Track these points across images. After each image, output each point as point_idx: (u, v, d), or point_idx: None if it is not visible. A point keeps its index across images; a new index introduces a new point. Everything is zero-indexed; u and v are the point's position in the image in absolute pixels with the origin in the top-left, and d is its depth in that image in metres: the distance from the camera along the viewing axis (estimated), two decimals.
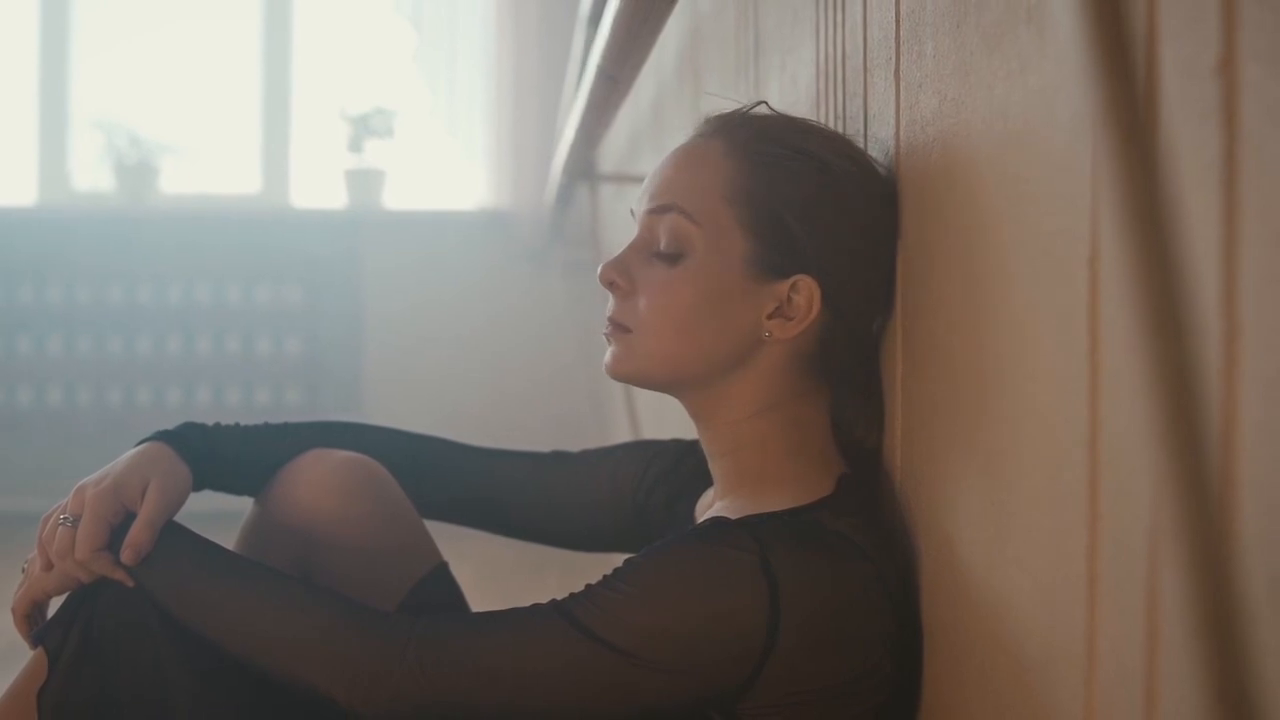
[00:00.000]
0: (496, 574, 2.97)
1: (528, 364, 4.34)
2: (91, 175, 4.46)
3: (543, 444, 1.35)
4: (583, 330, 4.26)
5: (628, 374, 1.04)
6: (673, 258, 1.01)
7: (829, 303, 0.99)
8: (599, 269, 1.05)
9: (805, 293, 0.99)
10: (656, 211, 1.03)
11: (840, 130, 1.11)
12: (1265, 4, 0.50)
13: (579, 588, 0.95)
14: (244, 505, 1.24)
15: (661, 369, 1.03)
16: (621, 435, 2.71)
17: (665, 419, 2.17)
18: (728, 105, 1.10)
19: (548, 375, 4.33)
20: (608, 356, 1.05)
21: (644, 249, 1.04)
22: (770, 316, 1.00)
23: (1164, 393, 0.51)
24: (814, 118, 1.10)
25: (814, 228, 0.99)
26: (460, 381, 4.32)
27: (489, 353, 4.34)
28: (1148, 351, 0.48)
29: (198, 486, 1.15)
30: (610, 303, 1.05)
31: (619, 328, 1.03)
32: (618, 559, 1.31)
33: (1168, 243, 0.52)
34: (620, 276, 1.03)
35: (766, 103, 1.07)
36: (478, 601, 1.27)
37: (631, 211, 1.08)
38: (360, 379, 4.36)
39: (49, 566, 1.07)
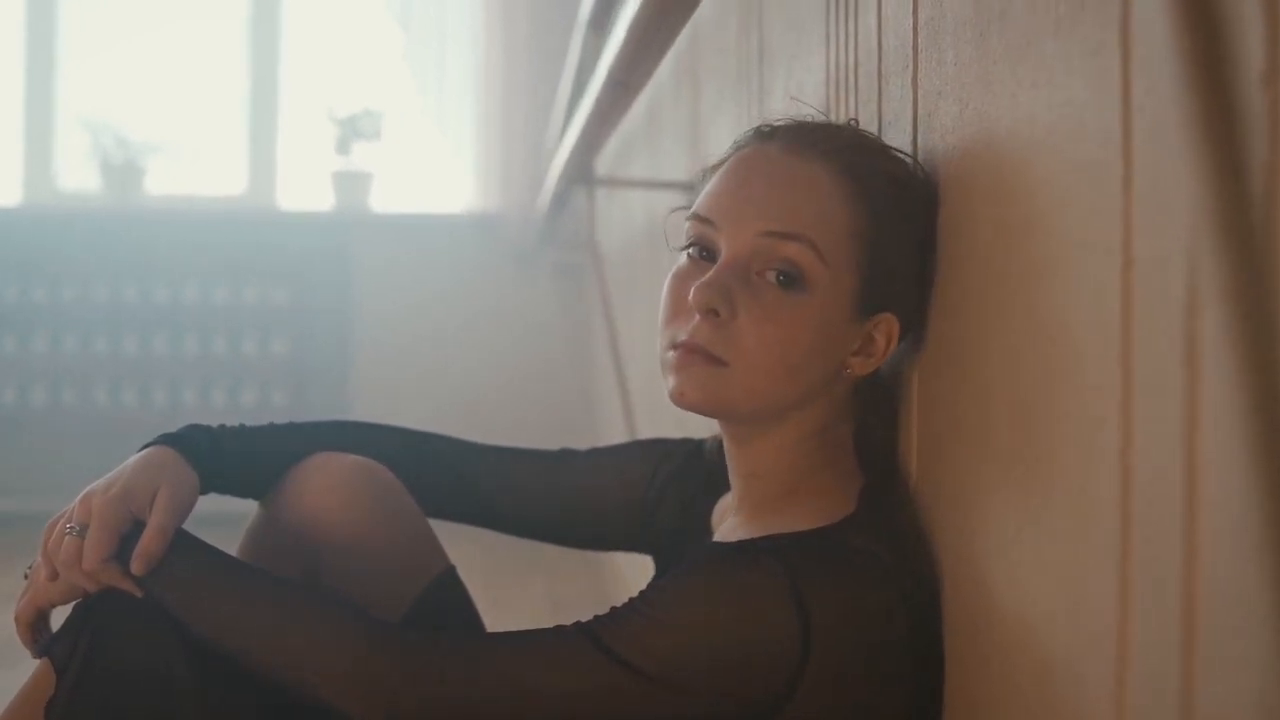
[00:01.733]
0: (484, 577, 2.97)
1: (516, 366, 4.35)
2: (77, 175, 4.44)
3: (531, 444, 1.34)
4: (572, 332, 4.27)
5: (710, 407, 0.98)
6: (791, 290, 0.95)
7: (901, 336, 0.99)
8: (694, 292, 0.96)
9: (886, 331, 0.98)
10: (777, 236, 0.95)
11: None
12: None
13: (565, 592, 0.94)
14: (245, 507, 1.23)
15: (747, 404, 0.98)
16: (614, 436, 2.72)
17: (660, 420, 2.18)
18: (799, 110, 1.06)
19: (536, 377, 4.34)
20: (682, 384, 0.97)
21: (742, 272, 0.96)
22: (854, 354, 0.98)
23: (1201, 395, 0.52)
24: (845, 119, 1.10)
25: (905, 267, 0.97)
26: (448, 383, 4.32)
27: (477, 355, 4.34)
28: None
29: (204, 490, 1.13)
30: (692, 326, 0.96)
31: (710, 359, 0.96)
32: (618, 559, 1.32)
33: (1216, 251, 0.53)
34: (723, 304, 0.95)
35: (856, 120, 1.04)
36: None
37: (701, 217, 1.00)
38: (347, 380, 4.35)
39: (54, 576, 1.05)
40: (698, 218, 1.00)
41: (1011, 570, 0.81)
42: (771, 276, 0.96)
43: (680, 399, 0.97)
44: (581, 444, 1.38)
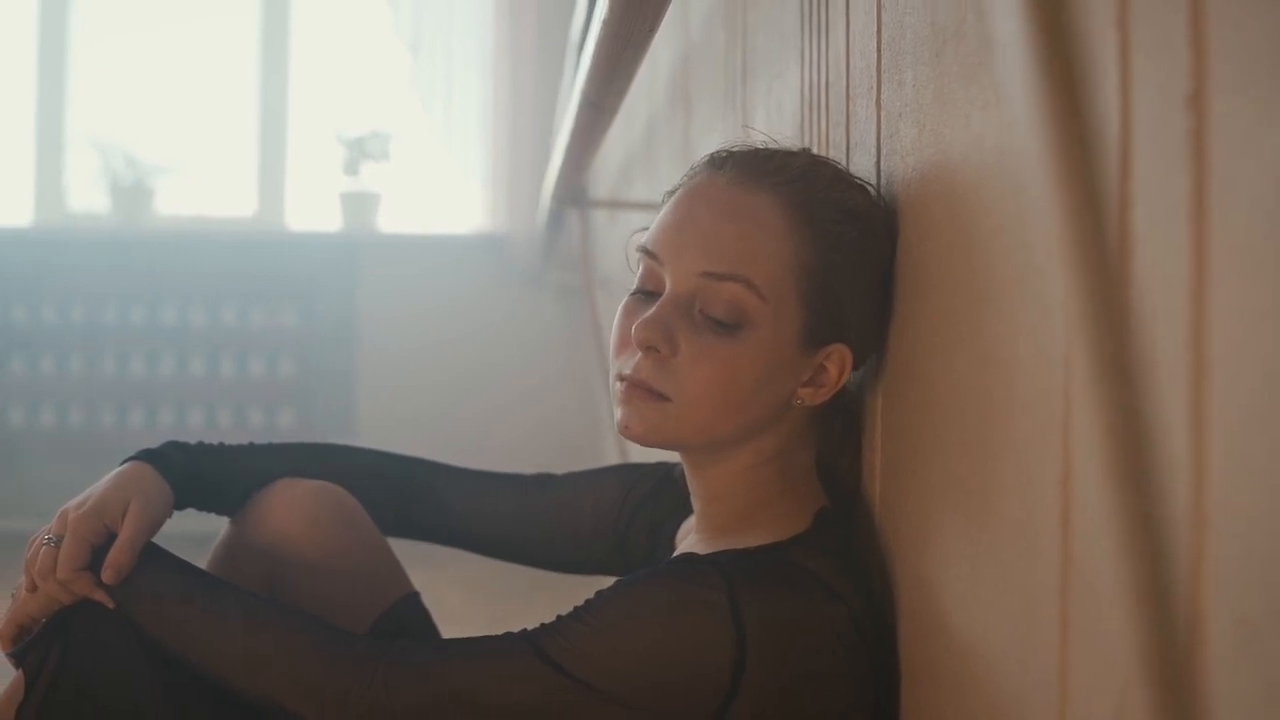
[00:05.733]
0: (488, 597, 2.96)
1: (521, 387, 4.33)
2: (87, 196, 4.45)
3: (535, 466, 1.35)
4: (575, 353, 4.25)
5: (655, 441, 0.98)
6: (731, 328, 0.94)
7: (855, 366, 0.98)
8: (635, 329, 0.96)
9: (838, 361, 0.97)
10: (714, 277, 0.95)
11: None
12: (1235, 35, 0.49)
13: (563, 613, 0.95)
14: (212, 529, 1.24)
15: (692, 439, 0.98)
16: (612, 457, 2.70)
17: None
18: (756, 136, 1.05)
19: (541, 398, 4.32)
20: (628, 418, 0.97)
21: (684, 309, 0.96)
22: (804, 385, 0.97)
23: (1130, 431, 0.50)
24: (800, 145, 1.08)
25: (857, 296, 0.96)
26: (453, 404, 4.31)
27: (482, 376, 4.33)
28: (1112, 394, 0.47)
29: (180, 506, 1.16)
30: (635, 361, 0.97)
31: (652, 394, 0.96)
32: (605, 582, 1.32)
33: (1133, 286, 0.51)
34: (663, 342, 0.95)
35: (809, 149, 1.02)
36: (467, 624, 1.27)
37: (649, 252, 0.99)
38: (354, 401, 4.35)
39: (34, 588, 1.08)
40: (645, 251, 1.00)
41: (964, 604, 0.79)
42: (712, 314, 0.95)
43: (625, 432, 0.98)
44: (585, 464, 1.38)
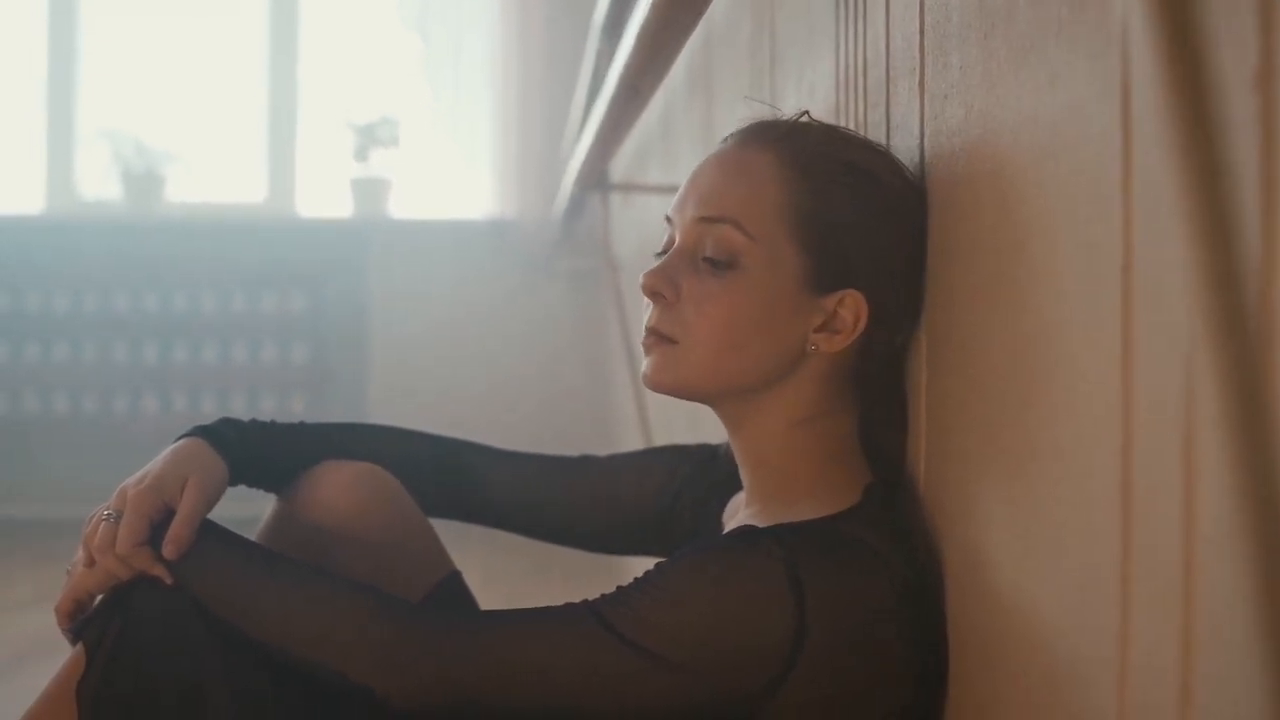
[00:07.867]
0: (502, 579, 2.99)
1: (533, 372, 4.36)
2: (98, 184, 4.47)
3: (546, 450, 1.37)
4: (588, 337, 4.27)
5: (671, 385, 1.04)
6: (723, 269, 1.01)
7: (873, 316, 1.01)
8: (641, 278, 1.04)
9: (852, 307, 1.01)
10: (708, 221, 1.02)
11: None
12: None
13: (582, 593, 0.97)
14: (242, 515, 1.26)
15: (706, 381, 1.03)
16: (630, 441, 2.72)
17: (673, 425, 2.18)
18: (764, 111, 1.10)
19: (553, 383, 4.35)
20: (647, 367, 1.05)
21: (688, 258, 1.03)
22: (817, 330, 1.01)
23: (1203, 399, 0.52)
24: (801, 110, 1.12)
25: (864, 243, 1.00)
26: (465, 389, 4.33)
27: (494, 361, 4.36)
28: (1184, 359, 0.49)
29: (233, 482, 1.18)
30: (651, 312, 1.04)
31: (663, 339, 1.03)
32: (635, 562, 1.35)
33: (1210, 253, 0.53)
34: (666, 287, 1.03)
35: (809, 113, 1.07)
36: (485, 606, 1.28)
37: (668, 218, 1.07)
38: (365, 387, 4.37)
39: (91, 563, 1.09)
40: (666, 218, 1.08)
41: (1017, 573, 0.81)
42: (710, 259, 1.02)
43: (646, 381, 1.05)
44: (598, 449, 1.40)
